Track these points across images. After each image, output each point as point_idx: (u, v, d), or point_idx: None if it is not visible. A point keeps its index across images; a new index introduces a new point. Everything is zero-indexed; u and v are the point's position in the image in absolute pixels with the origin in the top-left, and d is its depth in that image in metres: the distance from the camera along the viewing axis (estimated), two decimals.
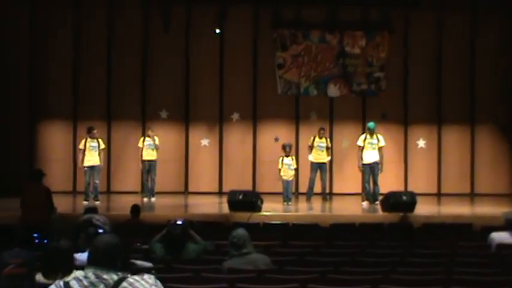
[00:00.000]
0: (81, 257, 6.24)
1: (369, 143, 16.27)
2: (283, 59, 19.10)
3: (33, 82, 19.06)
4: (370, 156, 16.25)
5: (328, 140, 17.53)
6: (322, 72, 19.17)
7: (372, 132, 16.32)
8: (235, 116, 19.42)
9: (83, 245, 6.40)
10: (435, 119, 19.42)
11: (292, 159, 16.59)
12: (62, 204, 13.53)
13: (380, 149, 16.28)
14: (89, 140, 16.51)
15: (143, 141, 17.22)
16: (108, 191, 18.83)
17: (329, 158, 17.43)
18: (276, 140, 19.17)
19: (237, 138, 19.46)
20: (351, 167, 18.64)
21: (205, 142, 19.41)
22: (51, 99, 19.11)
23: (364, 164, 16.34)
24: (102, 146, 16.77)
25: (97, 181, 16.52)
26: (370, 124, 16.52)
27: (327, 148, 17.22)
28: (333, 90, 19.16)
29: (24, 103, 18.98)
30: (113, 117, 19.25)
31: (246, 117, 19.41)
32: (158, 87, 19.29)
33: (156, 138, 17.23)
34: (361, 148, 16.31)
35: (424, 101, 19.37)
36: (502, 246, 8.94)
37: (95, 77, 19.22)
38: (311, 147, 17.13)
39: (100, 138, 16.87)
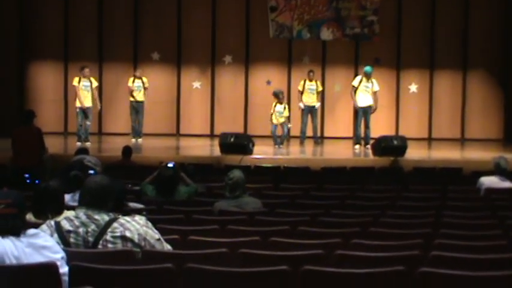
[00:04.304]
0: (73, 197, 6.26)
1: (364, 85, 16.22)
2: (276, 1, 18.90)
3: (23, 22, 18.84)
4: (364, 99, 16.22)
5: (319, 82, 17.41)
6: (316, 15, 19.00)
7: (368, 77, 16.24)
8: (228, 58, 19.32)
9: (74, 185, 6.41)
10: (428, 63, 19.37)
11: (285, 107, 16.43)
12: (53, 145, 13.51)
13: (374, 93, 16.24)
14: (82, 79, 16.35)
15: (133, 81, 17.08)
16: (100, 133, 18.80)
17: (318, 103, 17.35)
18: (268, 83, 19.11)
19: (229, 81, 19.38)
20: (342, 110, 18.67)
21: (197, 84, 19.33)
22: (41, 40, 18.93)
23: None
24: (95, 84, 16.58)
25: (88, 123, 16.45)
26: (367, 68, 16.41)
27: (317, 92, 17.13)
28: (326, 34, 19.03)
29: (14, 43, 18.79)
30: (104, 59, 19.12)
31: (238, 60, 19.30)
32: (150, 29, 19.13)
33: (144, 79, 17.12)
34: (355, 89, 16.26)
35: (417, 46, 19.27)
36: (491, 190, 9.03)
37: (86, 18, 19.03)
38: (302, 92, 17.03)
39: (93, 77, 16.71)
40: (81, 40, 19.00)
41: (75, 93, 16.41)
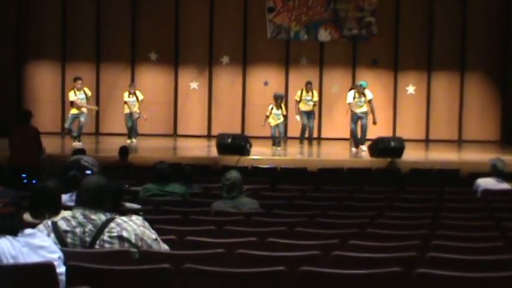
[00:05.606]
0: (70, 197, 6.26)
1: (358, 102, 16.15)
2: (274, 2, 18.92)
3: (21, 21, 18.82)
4: (360, 110, 16.20)
5: (316, 92, 17.38)
6: (313, 16, 19.01)
7: (361, 91, 16.13)
8: (225, 59, 19.32)
9: (72, 185, 6.40)
10: (425, 65, 19.39)
11: (282, 111, 16.40)
12: (50, 145, 13.49)
13: (369, 101, 16.17)
14: (77, 92, 16.16)
15: (128, 96, 16.92)
16: (97, 133, 18.79)
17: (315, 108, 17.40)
18: (266, 84, 19.12)
19: (227, 82, 19.38)
20: (340, 112, 18.64)
21: (194, 85, 19.33)
22: (39, 40, 18.92)
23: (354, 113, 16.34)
24: (89, 94, 16.42)
25: (83, 119, 16.19)
26: (363, 83, 16.34)
27: (314, 101, 17.09)
28: (324, 35, 19.04)
29: (11, 43, 18.77)
30: (101, 59, 19.11)
31: (236, 61, 19.30)
32: (148, 30, 19.12)
33: (138, 93, 16.98)
34: (352, 104, 16.21)
35: (414, 47, 19.29)
36: (488, 192, 9.03)
37: (84, 18, 19.02)
38: (298, 102, 16.98)
39: (86, 87, 16.50)
40: (79, 40, 18.99)
41: (71, 103, 16.28)
